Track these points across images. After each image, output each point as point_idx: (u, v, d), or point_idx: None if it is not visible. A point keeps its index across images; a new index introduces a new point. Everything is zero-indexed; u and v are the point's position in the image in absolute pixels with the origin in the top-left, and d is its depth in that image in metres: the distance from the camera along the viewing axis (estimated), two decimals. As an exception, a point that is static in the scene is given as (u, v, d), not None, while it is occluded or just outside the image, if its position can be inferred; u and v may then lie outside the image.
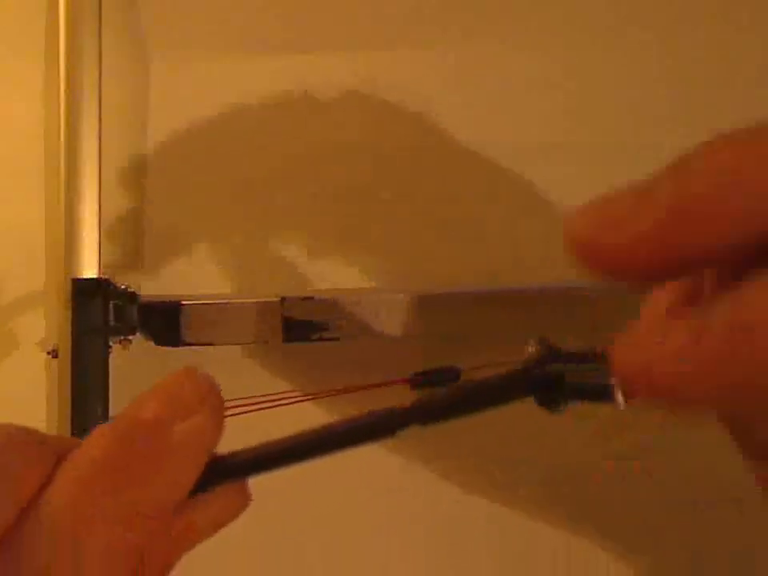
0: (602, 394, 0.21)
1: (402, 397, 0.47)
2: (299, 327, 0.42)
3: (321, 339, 0.42)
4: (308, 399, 0.44)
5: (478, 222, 0.46)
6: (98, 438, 0.22)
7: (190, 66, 0.47)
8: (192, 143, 0.47)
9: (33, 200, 0.47)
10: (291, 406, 0.44)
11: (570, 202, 0.45)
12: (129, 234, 0.47)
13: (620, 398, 0.20)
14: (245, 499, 0.24)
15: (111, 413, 0.43)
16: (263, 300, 0.43)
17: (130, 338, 0.43)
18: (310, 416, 0.46)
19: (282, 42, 0.46)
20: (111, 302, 0.43)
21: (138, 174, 0.47)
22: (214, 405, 0.23)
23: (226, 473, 0.23)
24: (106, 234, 0.44)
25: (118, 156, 0.46)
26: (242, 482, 0.24)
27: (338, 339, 0.42)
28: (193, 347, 0.43)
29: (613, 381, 0.20)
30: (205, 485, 0.23)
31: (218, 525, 0.24)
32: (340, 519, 0.47)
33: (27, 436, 0.23)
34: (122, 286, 0.43)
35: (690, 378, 0.18)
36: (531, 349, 0.22)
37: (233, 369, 0.46)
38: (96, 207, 0.43)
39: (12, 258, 0.47)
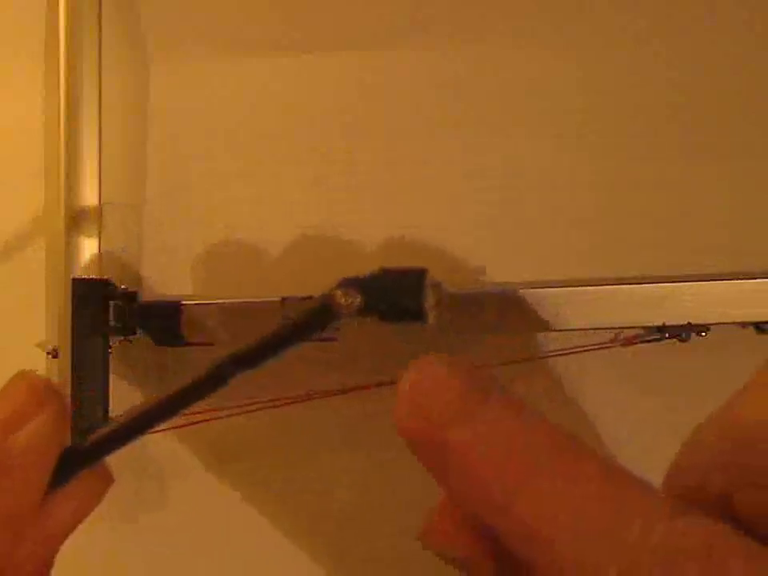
0: (409, 313, 0.23)
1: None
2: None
3: (321, 339, 0.42)
4: (306, 399, 0.44)
5: (478, 222, 0.46)
6: None
7: (190, 65, 0.47)
8: (192, 143, 0.47)
9: (33, 200, 0.47)
10: (290, 406, 0.44)
11: (572, 201, 0.45)
12: (128, 234, 0.47)
13: (431, 315, 0.23)
14: (106, 482, 0.25)
15: (111, 413, 0.43)
16: (263, 300, 0.43)
17: (130, 338, 0.43)
18: (310, 416, 0.45)
19: (282, 42, 0.46)
20: (111, 302, 0.43)
21: (137, 175, 0.47)
22: (53, 403, 0.23)
23: (80, 460, 0.24)
24: (106, 233, 0.45)
25: (118, 156, 0.46)
26: (101, 466, 0.24)
27: (337, 339, 0.42)
28: (193, 347, 0.43)
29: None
30: (63, 477, 0.23)
31: (84, 513, 0.24)
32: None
33: None
34: (122, 286, 0.43)
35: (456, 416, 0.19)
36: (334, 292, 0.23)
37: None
38: (96, 207, 0.43)
39: (12, 258, 0.47)
